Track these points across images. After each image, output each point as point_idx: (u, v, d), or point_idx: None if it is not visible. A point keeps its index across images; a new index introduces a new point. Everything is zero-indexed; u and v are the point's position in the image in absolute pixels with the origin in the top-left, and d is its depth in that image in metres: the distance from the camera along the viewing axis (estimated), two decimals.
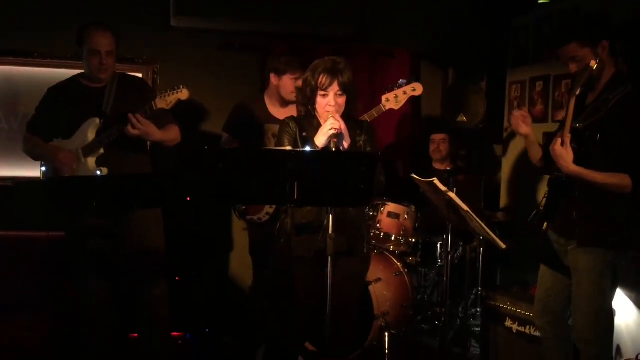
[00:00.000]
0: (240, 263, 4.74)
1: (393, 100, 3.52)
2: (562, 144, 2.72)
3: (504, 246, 3.01)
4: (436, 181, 3.09)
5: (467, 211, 3.01)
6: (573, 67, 2.85)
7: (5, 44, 4.44)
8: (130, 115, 3.20)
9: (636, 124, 2.69)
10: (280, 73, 3.78)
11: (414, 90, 3.54)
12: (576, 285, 2.86)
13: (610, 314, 2.89)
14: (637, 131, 2.69)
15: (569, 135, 2.74)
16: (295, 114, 3.77)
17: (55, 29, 4.46)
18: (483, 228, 3.03)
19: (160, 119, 3.37)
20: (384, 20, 5.05)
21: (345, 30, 4.83)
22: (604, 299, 2.83)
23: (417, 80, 3.62)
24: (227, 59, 4.82)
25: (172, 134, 3.47)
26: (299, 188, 2.56)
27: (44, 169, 3.32)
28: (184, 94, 3.24)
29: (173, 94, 3.24)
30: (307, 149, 2.83)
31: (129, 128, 3.21)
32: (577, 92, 2.79)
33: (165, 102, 3.24)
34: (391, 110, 3.56)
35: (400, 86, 3.52)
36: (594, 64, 2.75)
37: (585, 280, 2.81)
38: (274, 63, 3.81)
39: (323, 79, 2.84)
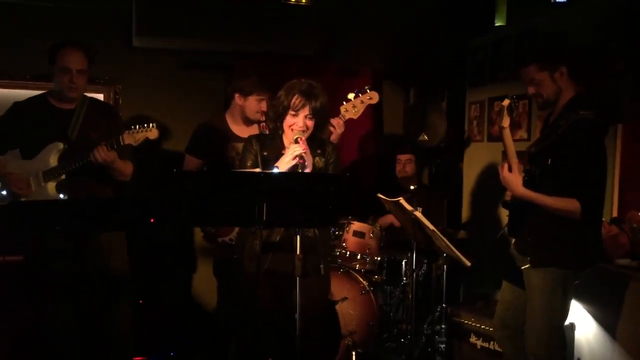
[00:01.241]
0: (204, 284, 4.70)
1: (351, 110, 3.58)
2: (510, 169, 2.83)
3: (469, 264, 3.06)
4: (402, 200, 3.14)
5: (433, 230, 3.06)
6: (531, 90, 2.94)
7: None
8: (98, 148, 3.15)
9: (584, 151, 2.77)
10: (245, 94, 3.79)
11: (370, 98, 3.60)
12: (529, 302, 2.93)
13: (562, 331, 2.96)
14: (585, 158, 2.77)
15: (516, 160, 2.86)
16: (257, 132, 3.80)
17: (14, 48, 4.38)
18: (449, 246, 3.08)
19: (123, 151, 3.31)
20: (347, 40, 5.11)
21: (309, 49, 4.86)
22: (555, 317, 2.90)
23: (374, 90, 3.66)
24: (190, 79, 4.81)
25: (127, 169, 3.42)
26: (268, 209, 2.57)
27: (4, 192, 3.24)
28: (152, 133, 3.19)
29: (142, 131, 3.18)
30: (275, 170, 2.85)
31: (93, 156, 3.16)
32: (506, 125, 2.91)
33: (133, 138, 3.18)
34: (351, 120, 3.62)
35: (357, 96, 3.58)
36: (506, 102, 2.90)
37: (537, 298, 2.89)
38: (239, 84, 3.81)
39: (296, 101, 2.88)
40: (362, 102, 3.58)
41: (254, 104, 3.80)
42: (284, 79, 3.06)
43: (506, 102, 2.92)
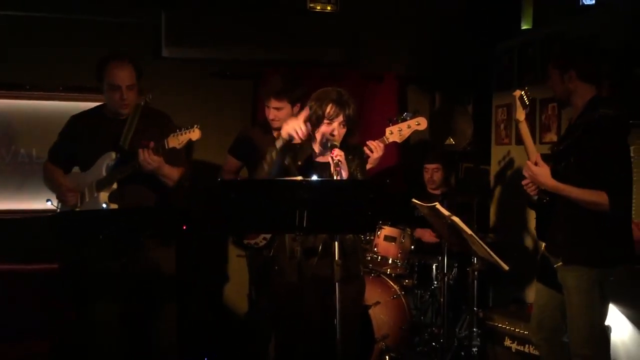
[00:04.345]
0: (236, 289, 4.75)
1: (397, 133, 3.46)
2: (536, 164, 2.90)
3: (507, 268, 3.06)
4: (438, 205, 3.16)
5: (471, 234, 3.07)
6: (549, 84, 3.09)
7: None
8: (140, 151, 3.16)
9: (605, 146, 2.82)
10: (264, 99, 3.84)
11: (418, 124, 3.48)
12: (567, 303, 2.95)
13: (604, 328, 2.96)
14: (607, 152, 2.83)
15: (538, 154, 2.94)
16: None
17: (46, 61, 4.46)
18: (486, 250, 3.09)
19: (173, 156, 3.31)
20: (372, 45, 5.14)
21: (335, 55, 4.90)
22: (594, 315, 2.90)
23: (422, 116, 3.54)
24: (218, 87, 4.86)
25: (174, 174, 3.37)
26: (308, 216, 2.60)
27: (49, 203, 3.28)
28: (195, 134, 3.19)
29: (185, 133, 3.19)
30: (314, 177, 2.88)
31: (140, 162, 3.18)
32: (522, 119, 2.99)
33: (177, 141, 3.19)
34: (394, 143, 3.51)
35: (405, 120, 3.48)
36: (517, 93, 2.99)
37: (575, 298, 2.91)
38: (261, 89, 3.88)
39: (330, 110, 2.91)
40: (409, 126, 3.47)
41: (266, 111, 3.81)
42: (308, 86, 3.07)
43: (517, 92, 2.99)
